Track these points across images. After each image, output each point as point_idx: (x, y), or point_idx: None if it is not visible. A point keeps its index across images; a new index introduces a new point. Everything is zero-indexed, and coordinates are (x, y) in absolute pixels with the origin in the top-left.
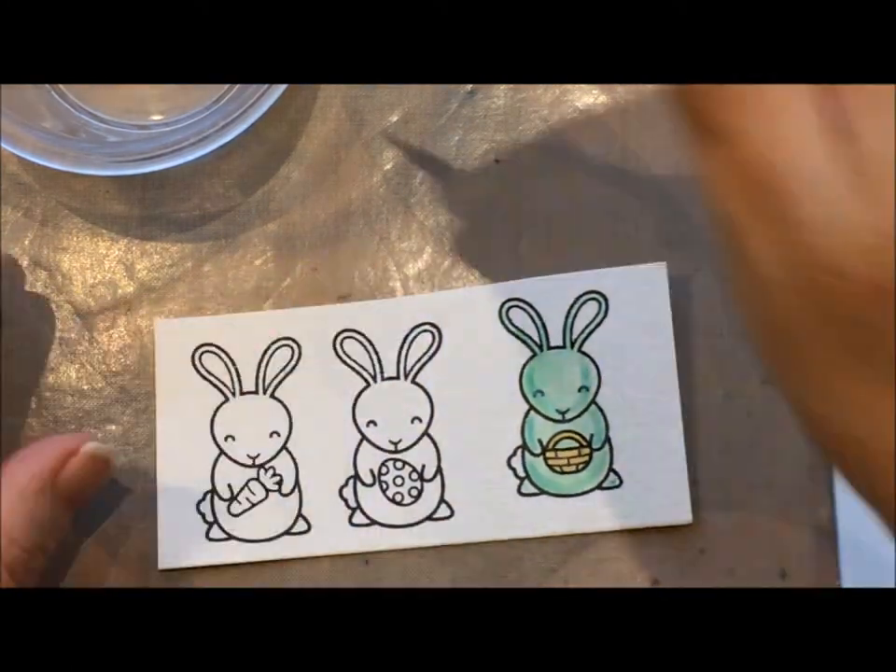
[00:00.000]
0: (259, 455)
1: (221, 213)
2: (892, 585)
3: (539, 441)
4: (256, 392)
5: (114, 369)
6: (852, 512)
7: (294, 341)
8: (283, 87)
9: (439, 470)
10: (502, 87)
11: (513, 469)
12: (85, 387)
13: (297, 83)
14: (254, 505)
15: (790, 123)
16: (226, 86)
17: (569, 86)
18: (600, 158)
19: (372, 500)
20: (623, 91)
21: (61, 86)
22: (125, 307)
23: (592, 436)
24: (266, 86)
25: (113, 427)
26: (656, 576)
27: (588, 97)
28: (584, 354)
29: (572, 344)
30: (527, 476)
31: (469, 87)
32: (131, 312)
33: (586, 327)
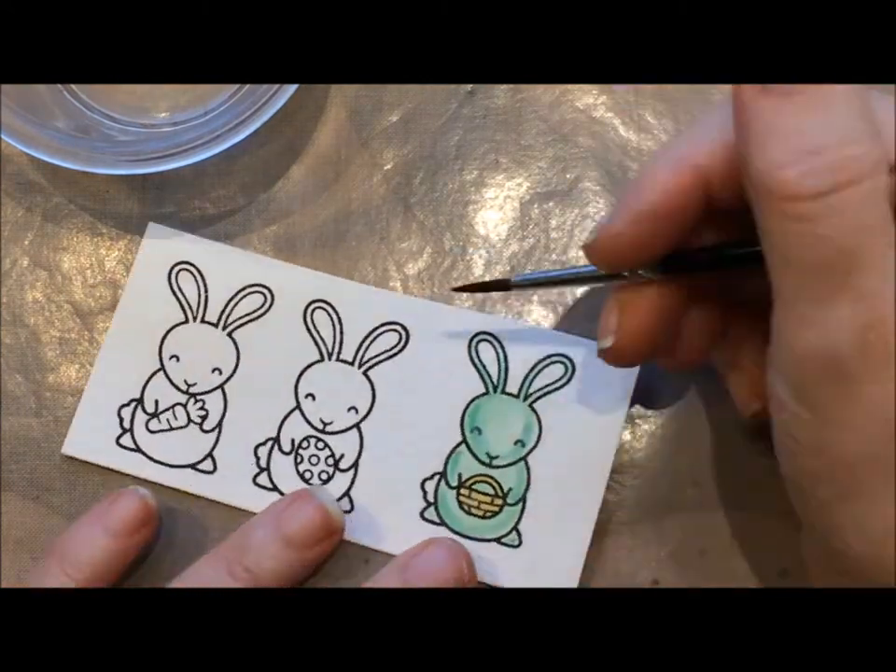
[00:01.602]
0: (195, 384)
1: (221, 213)
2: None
3: (459, 476)
4: (216, 325)
5: None
6: None
7: (270, 292)
8: (294, 86)
9: (355, 465)
10: (502, 87)
11: (424, 492)
12: (85, 387)
13: (300, 83)
14: (172, 429)
15: None
16: (236, 86)
17: (569, 86)
18: (600, 157)
19: (283, 468)
20: (622, 91)
21: (73, 86)
22: None
23: (510, 490)
24: (277, 85)
25: None
26: (656, 576)
27: (588, 97)
28: (533, 410)
29: (526, 397)
30: (435, 503)
31: (469, 87)
32: None
33: (546, 386)
